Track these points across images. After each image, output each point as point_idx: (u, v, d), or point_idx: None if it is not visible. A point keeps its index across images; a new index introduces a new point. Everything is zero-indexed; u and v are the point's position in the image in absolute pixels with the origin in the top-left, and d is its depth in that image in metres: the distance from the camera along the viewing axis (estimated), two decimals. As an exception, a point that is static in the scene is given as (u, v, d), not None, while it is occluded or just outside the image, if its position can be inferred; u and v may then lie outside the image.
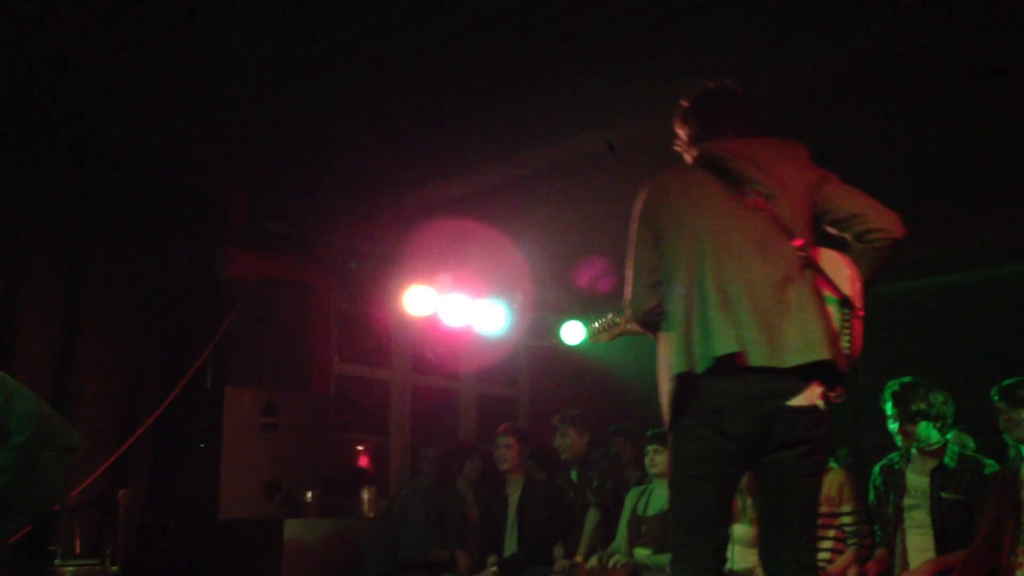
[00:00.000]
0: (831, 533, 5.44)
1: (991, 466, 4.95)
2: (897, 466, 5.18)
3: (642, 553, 6.04)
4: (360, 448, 8.59)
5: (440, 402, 9.08)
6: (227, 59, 5.35)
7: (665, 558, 5.81)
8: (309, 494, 6.47)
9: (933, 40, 4.78)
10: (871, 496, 5.33)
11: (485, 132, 6.01)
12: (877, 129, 5.75)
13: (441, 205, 6.92)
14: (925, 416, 4.93)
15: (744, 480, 4.49)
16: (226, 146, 6.49)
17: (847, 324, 3.12)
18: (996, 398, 4.93)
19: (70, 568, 5.41)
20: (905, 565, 5.02)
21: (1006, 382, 4.95)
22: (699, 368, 3.04)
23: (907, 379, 5.06)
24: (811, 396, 3.05)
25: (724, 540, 3.18)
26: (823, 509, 5.07)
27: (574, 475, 6.99)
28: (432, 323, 8.09)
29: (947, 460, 4.99)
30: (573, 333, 8.64)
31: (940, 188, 6.29)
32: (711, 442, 3.08)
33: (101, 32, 5.09)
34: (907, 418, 4.95)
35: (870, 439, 6.11)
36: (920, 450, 5.03)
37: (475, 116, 5.86)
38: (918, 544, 5.00)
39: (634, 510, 6.26)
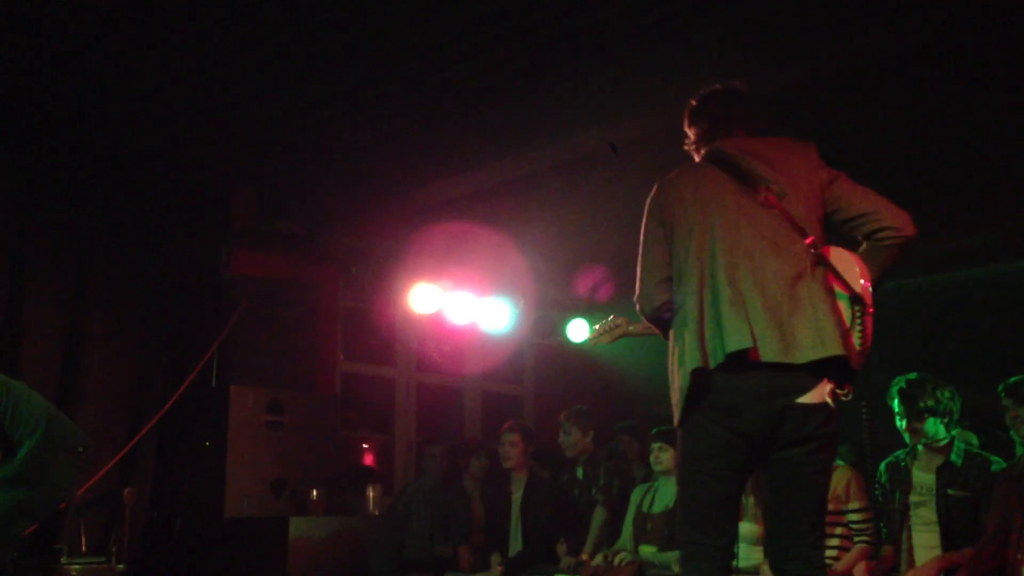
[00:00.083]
0: (838, 530, 5.42)
1: (998, 463, 4.92)
2: (903, 463, 5.15)
3: (648, 551, 6.04)
4: (365, 446, 8.61)
5: (445, 400, 9.09)
6: (231, 59, 5.35)
7: (671, 556, 5.82)
8: (314, 492, 6.49)
9: (933, 40, 4.78)
10: (877, 493, 5.33)
11: (486, 131, 6.03)
12: (877, 128, 5.75)
13: (445, 203, 6.93)
14: (933, 412, 4.91)
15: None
16: (231, 145, 6.49)
17: (859, 320, 3.13)
18: (1003, 395, 4.93)
19: (76, 566, 5.41)
20: (911, 562, 5.00)
21: (1012, 379, 4.94)
22: (712, 363, 3.05)
23: (913, 376, 5.04)
24: (821, 393, 3.06)
25: (733, 537, 3.19)
26: (829, 507, 5.06)
27: (580, 472, 7.01)
28: (437, 321, 8.11)
29: (953, 457, 4.96)
30: (578, 331, 8.64)
31: (940, 187, 6.29)
32: (721, 439, 3.09)
33: (108, 33, 5.10)
34: (915, 415, 4.94)
35: (881, 437, 6.10)
36: (927, 447, 5.01)
37: (476, 115, 5.87)
38: (924, 541, 4.98)
39: (639, 508, 6.26)
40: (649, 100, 5.32)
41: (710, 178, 3.31)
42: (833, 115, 5.47)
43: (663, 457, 6.15)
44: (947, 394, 4.94)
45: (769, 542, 3.33)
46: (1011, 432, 5.00)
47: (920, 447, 5.05)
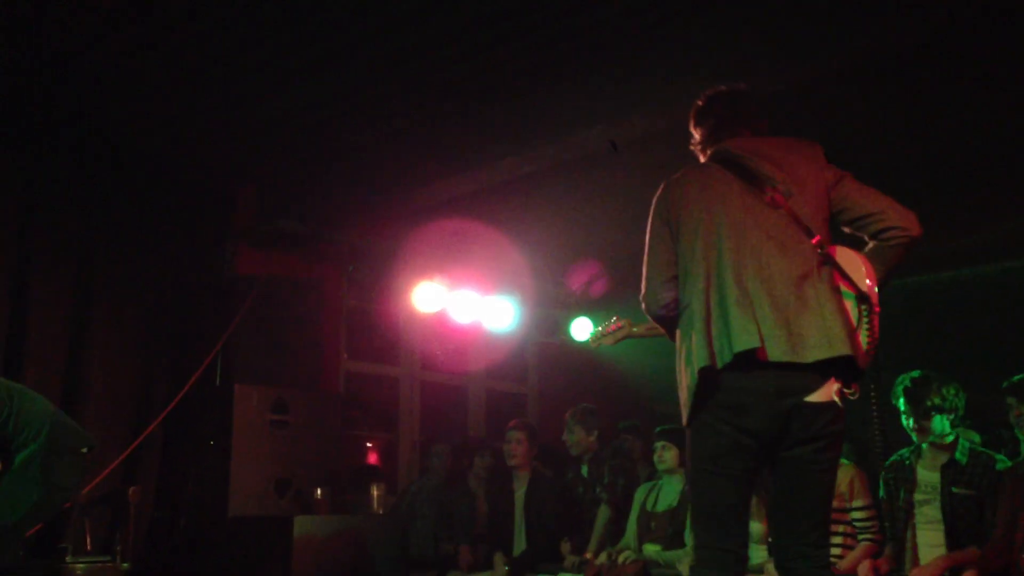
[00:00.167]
0: (841, 529, 5.42)
1: (1003, 461, 4.92)
2: (907, 461, 5.15)
3: (651, 549, 6.05)
4: (369, 445, 8.60)
5: (449, 398, 9.09)
6: (232, 59, 5.35)
7: (675, 554, 5.84)
8: (319, 491, 6.49)
9: (933, 40, 4.78)
10: (881, 491, 5.32)
11: (487, 131, 6.03)
12: (877, 128, 5.75)
13: (447, 202, 6.93)
14: (940, 410, 4.90)
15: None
16: (233, 145, 6.50)
17: (865, 319, 3.13)
18: (1007, 394, 4.93)
19: (81, 565, 5.40)
20: (915, 561, 5.00)
21: (1016, 377, 4.94)
22: (720, 363, 3.05)
23: (917, 374, 5.03)
24: (828, 392, 3.07)
25: (744, 539, 3.19)
26: (834, 505, 5.07)
27: (584, 471, 7.01)
28: (441, 320, 8.12)
29: (958, 455, 4.96)
30: (581, 329, 8.64)
31: (941, 186, 6.28)
32: (730, 438, 3.10)
33: (108, 33, 5.11)
34: (922, 413, 4.93)
35: (891, 435, 6.10)
36: (931, 444, 5.01)
37: (477, 115, 5.87)
38: (928, 540, 4.99)
39: (643, 506, 6.27)
40: (649, 100, 5.33)
41: (716, 178, 3.32)
42: (833, 115, 5.47)
43: (666, 456, 6.16)
44: (952, 391, 4.93)
45: (774, 540, 3.33)
46: (1015, 430, 5.00)
47: (925, 445, 5.04)
